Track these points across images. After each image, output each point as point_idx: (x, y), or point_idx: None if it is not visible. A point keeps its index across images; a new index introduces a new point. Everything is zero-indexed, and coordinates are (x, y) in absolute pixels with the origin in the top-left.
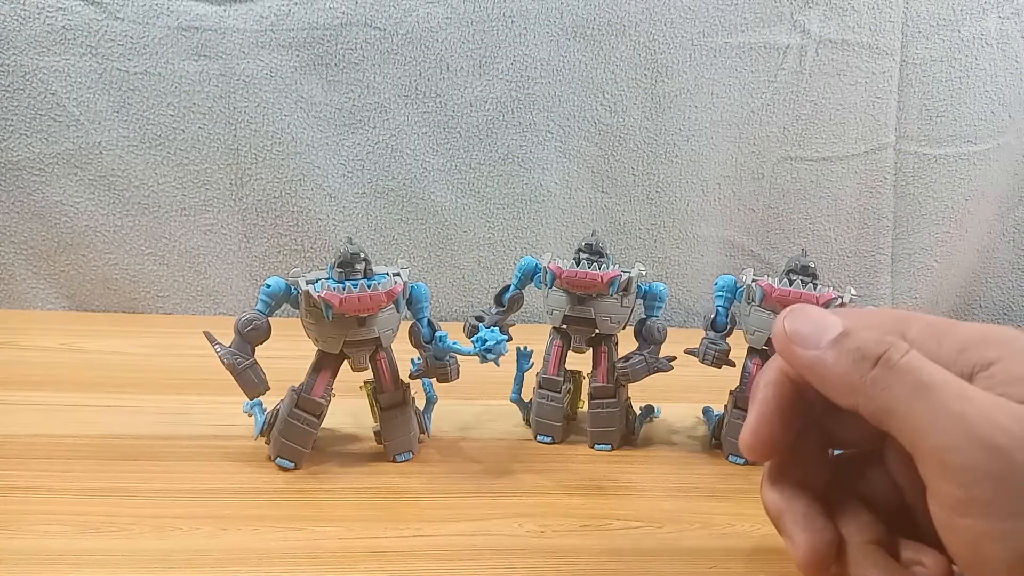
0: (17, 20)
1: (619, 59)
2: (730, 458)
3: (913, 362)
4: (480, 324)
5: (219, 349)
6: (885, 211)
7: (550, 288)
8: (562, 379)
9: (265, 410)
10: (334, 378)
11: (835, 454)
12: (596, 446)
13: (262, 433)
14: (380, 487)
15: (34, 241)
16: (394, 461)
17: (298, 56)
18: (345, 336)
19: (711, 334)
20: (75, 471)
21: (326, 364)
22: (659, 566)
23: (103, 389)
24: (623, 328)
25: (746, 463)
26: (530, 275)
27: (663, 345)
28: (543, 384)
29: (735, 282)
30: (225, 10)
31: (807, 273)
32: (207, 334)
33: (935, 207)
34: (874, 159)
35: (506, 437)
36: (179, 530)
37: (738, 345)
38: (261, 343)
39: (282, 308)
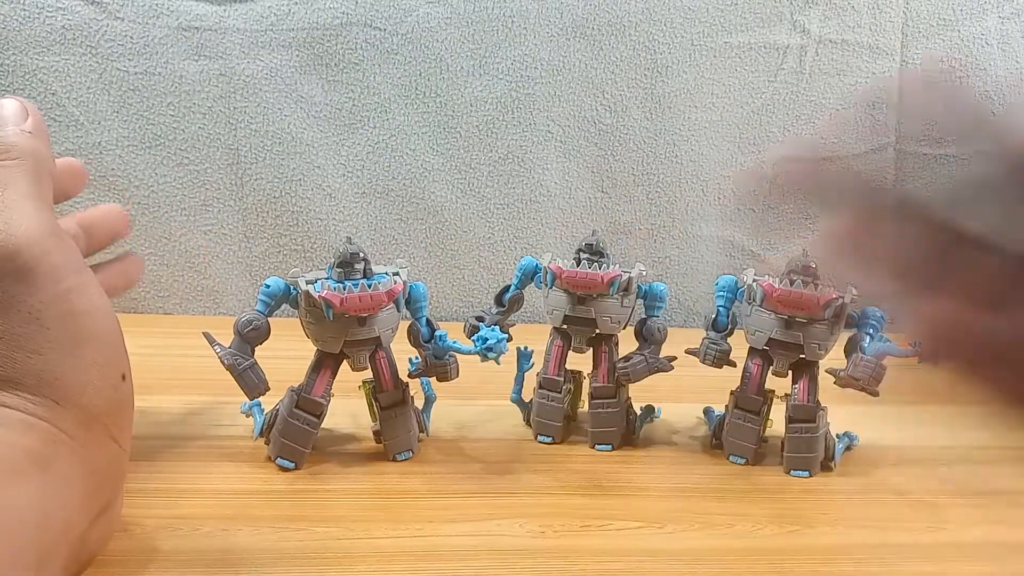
0: (17, 20)
1: (619, 59)
2: (730, 458)
3: None
4: (480, 324)
5: (219, 350)
6: None
7: (550, 288)
8: (563, 379)
9: (264, 410)
10: (334, 378)
11: None
12: (597, 446)
13: (262, 433)
14: (380, 487)
15: None
16: (394, 460)
17: (298, 56)
18: (345, 336)
19: (712, 334)
20: None
21: (326, 364)
22: (659, 566)
23: None
24: (624, 328)
25: (746, 463)
26: (530, 275)
27: (663, 345)
28: (543, 384)
29: (736, 282)
30: (225, 10)
31: (808, 273)
32: (207, 335)
33: None
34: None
35: (506, 437)
36: (179, 530)
37: (739, 345)
38: (261, 343)
39: (282, 308)
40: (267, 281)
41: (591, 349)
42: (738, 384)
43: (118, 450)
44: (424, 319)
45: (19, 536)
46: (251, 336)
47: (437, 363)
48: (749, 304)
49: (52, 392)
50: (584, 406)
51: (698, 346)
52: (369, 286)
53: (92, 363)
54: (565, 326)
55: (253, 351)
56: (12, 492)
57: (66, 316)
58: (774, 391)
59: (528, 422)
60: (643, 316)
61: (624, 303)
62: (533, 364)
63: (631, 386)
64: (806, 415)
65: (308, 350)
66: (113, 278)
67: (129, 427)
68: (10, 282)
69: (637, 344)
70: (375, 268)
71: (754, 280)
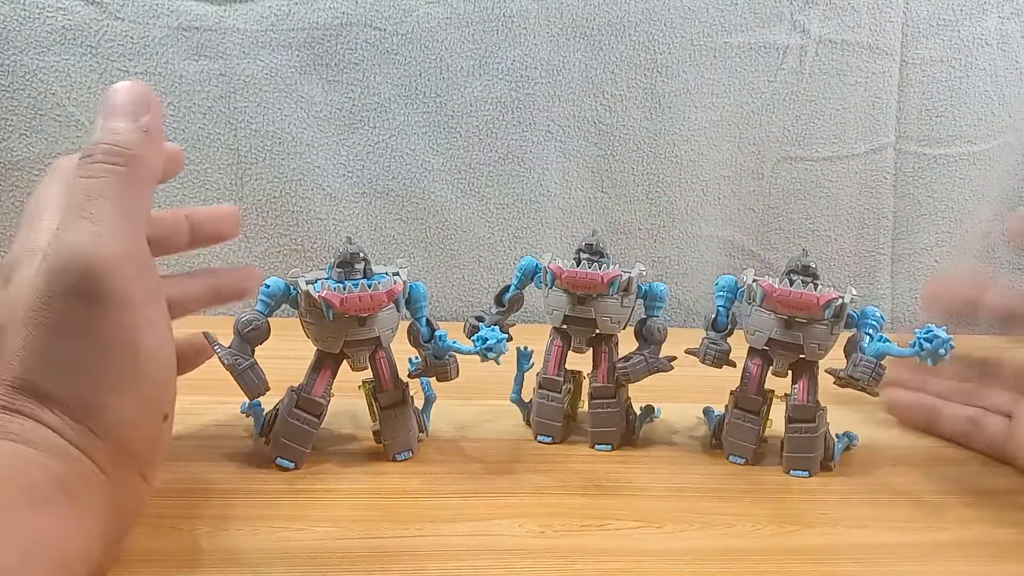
0: (17, 20)
1: (619, 59)
2: (730, 458)
3: None
4: (480, 324)
5: (219, 349)
6: (885, 211)
7: (550, 288)
8: (562, 379)
9: (264, 410)
10: (334, 378)
11: None
12: (596, 446)
13: (262, 433)
14: (380, 487)
15: None
16: (394, 460)
17: (298, 56)
18: (345, 336)
19: (712, 334)
20: None
21: (326, 364)
22: (659, 566)
23: None
24: (623, 328)
25: (746, 463)
26: (530, 275)
27: (663, 345)
28: (543, 384)
29: (736, 282)
30: (225, 10)
31: (808, 273)
32: (207, 334)
33: (935, 207)
34: (874, 159)
35: (506, 437)
36: (179, 530)
37: (739, 345)
38: (261, 343)
39: (282, 308)
40: (267, 281)
41: (591, 349)
42: (738, 384)
43: (144, 486)
44: (424, 319)
45: (36, 564)
46: (251, 336)
47: (437, 363)
48: (749, 304)
49: (94, 422)
50: (584, 406)
51: (698, 346)
52: (369, 286)
53: (141, 401)
54: (565, 326)
55: (253, 351)
56: (36, 519)
57: (130, 348)
58: (774, 391)
59: (528, 422)
60: (643, 316)
61: (624, 303)
62: (533, 364)
63: (631, 386)
64: (806, 415)
65: (308, 350)
66: (226, 285)
67: (160, 465)
68: (84, 303)
69: (637, 344)
70: (375, 268)
71: (754, 280)
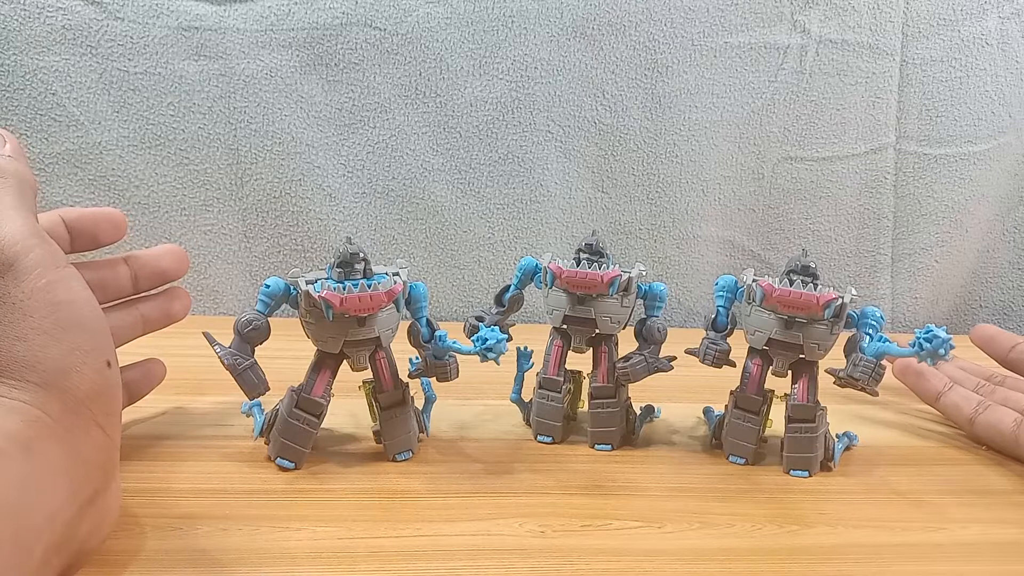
0: (17, 20)
1: (619, 59)
2: (730, 458)
3: None
4: (480, 324)
5: (219, 349)
6: (885, 211)
7: (550, 288)
8: (562, 379)
9: (264, 410)
10: (334, 378)
11: None
12: (596, 446)
13: (262, 433)
14: (380, 487)
15: None
16: (394, 460)
17: (298, 56)
18: (345, 336)
19: (712, 334)
20: None
21: (326, 364)
22: (659, 566)
23: None
24: (623, 328)
25: (746, 463)
26: (530, 275)
27: (663, 345)
28: (543, 384)
29: (736, 282)
30: (225, 10)
31: (807, 273)
32: (207, 334)
33: (935, 207)
34: (874, 159)
35: (506, 437)
36: (179, 530)
37: (739, 345)
38: (261, 343)
39: (282, 308)
40: (267, 281)
41: (591, 349)
42: (738, 384)
43: (104, 437)
44: (424, 319)
45: None
46: (251, 336)
47: (437, 363)
48: (749, 304)
49: (36, 376)
50: (584, 406)
51: (698, 346)
52: (369, 286)
53: (76, 348)
54: (565, 326)
55: (253, 351)
56: None
57: (49, 305)
58: (774, 391)
59: (528, 422)
60: (643, 316)
61: (624, 303)
62: (533, 364)
63: (631, 386)
64: (806, 415)
65: (308, 350)
66: (152, 312)
67: (116, 415)
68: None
69: (637, 344)
70: (375, 268)
71: (754, 280)
